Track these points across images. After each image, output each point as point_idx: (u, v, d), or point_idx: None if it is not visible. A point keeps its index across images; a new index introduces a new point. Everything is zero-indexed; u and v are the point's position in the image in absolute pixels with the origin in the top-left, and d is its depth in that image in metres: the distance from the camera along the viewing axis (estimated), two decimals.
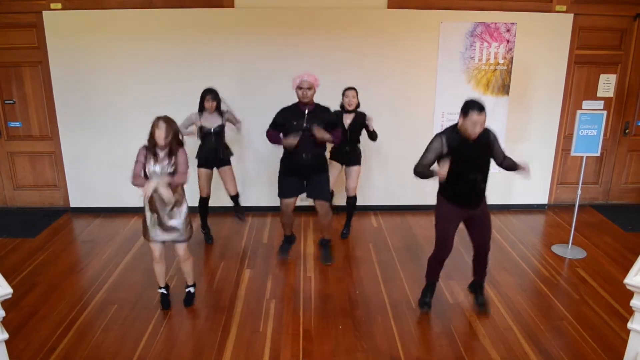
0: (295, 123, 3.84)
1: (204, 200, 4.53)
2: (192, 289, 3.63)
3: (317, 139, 3.81)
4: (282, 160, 4.05)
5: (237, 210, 4.74)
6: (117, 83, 5.05)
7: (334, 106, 4.32)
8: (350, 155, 4.52)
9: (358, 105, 4.41)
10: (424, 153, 3.15)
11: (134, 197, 5.27)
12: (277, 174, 4.11)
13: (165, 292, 3.58)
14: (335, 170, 4.59)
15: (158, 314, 3.47)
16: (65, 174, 5.36)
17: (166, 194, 3.19)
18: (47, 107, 5.22)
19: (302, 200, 5.35)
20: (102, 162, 5.27)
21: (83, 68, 4.99)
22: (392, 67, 5.07)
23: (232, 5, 4.91)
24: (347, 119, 4.39)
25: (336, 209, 5.01)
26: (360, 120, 4.40)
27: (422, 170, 3.16)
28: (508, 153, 3.36)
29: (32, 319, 3.39)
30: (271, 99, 5.07)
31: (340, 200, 5.08)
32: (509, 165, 3.30)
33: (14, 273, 4.03)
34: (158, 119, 3.19)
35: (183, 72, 5.01)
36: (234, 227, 4.98)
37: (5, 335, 2.10)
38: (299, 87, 3.81)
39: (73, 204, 5.44)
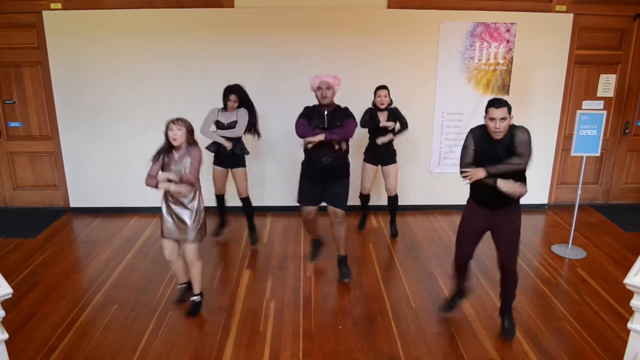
0: (314, 123, 3.72)
1: (218, 197, 4.56)
2: (197, 298, 3.47)
3: (333, 142, 3.65)
4: (303, 164, 3.90)
5: (251, 231, 4.70)
6: (117, 83, 5.05)
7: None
8: (385, 155, 4.56)
9: (391, 103, 4.45)
10: (462, 152, 3.02)
11: (134, 197, 5.31)
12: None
13: (186, 286, 3.55)
14: (370, 172, 4.61)
15: (158, 314, 3.47)
16: (65, 174, 5.36)
17: (178, 189, 3.15)
18: (47, 107, 5.22)
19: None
20: (102, 162, 5.27)
21: (83, 68, 4.99)
22: (392, 67, 5.07)
23: (232, 5, 4.91)
24: (381, 117, 4.42)
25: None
26: (394, 117, 4.44)
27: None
28: None
29: (32, 319, 3.39)
30: (271, 99, 5.09)
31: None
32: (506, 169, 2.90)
33: (14, 273, 4.03)
34: (170, 121, 3.18)
35: (183, 72, 5.01)
36: (234, 228, 4.98)
37: (5, 336, 2.10)
38: (318, 88, 3.66)
39: (73, 204, 5.44)
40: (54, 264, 4.22)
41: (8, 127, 5.32)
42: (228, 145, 4.24)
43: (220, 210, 4.68)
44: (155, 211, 5.32)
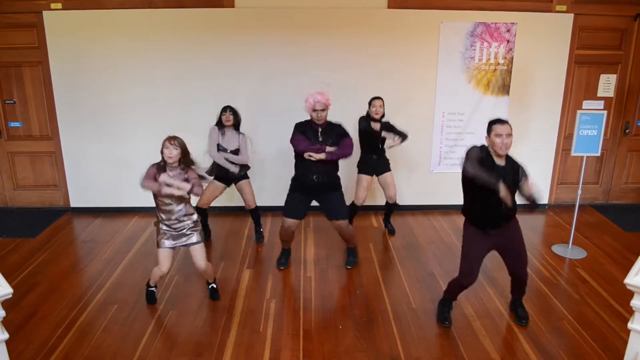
0: (308, 137, 3.79)
1: (200, 210, 4.35)
2: (214, 285, 3.67)
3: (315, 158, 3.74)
4: (294, 180, 3.96)
5: (257, 230, 4.72)
6: (117, 83, 5.05)
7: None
8: (379, 164, 4.55)
9: (383, 115, 4.43)
10: (468, 158, 2.93)
11: (134, 197, 5.30)
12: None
13: (154, 290, 3.60)
14: (365, 182, 4.58)
15: (158, 314, 3.47)
16: (65, 174, 5.36)
17: (179, 187, 3.17)
18: (47, 107, 5.22)
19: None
20: (102, 162, 5.27)
21: (83, 68, 5.00)
22: (392, 67, 5.07)
23: (232, 5, 4.91)
24: (375, 128, 4.41)
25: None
26: (386, 129, 4.43)
27: (479, 169, 2.87)
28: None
29: (32, 319, 3.39)
30: (271, 99, 5.09)
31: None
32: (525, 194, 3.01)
33: (14, 273, 4.03)
34: (166, 139, 3.18)
35: (183, 72, 5.01)
36: (234, 227, 4.98)
37: (6, 336, 2.10)
38: (313, 110, 3.73)
39: (73, 204, 5.44)
40: (54, 264, 4.22)
41: (8, 127, 5.33)
42: (236, 170, 4.27)
43: (203, 221, 4.51)
44: (155, 211, 5.34)
